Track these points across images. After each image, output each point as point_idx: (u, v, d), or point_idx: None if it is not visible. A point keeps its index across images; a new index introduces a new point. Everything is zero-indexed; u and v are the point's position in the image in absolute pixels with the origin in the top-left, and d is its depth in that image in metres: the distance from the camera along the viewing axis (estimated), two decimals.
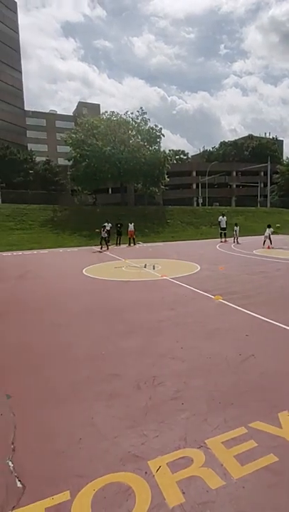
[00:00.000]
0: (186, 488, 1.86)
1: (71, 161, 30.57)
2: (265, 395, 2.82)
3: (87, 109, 61.76)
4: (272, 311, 5.27)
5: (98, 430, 2.40)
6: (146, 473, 1.98)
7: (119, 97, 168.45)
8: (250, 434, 2.30)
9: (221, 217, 20.76)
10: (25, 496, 1.85)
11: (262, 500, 1.79)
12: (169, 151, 35.61)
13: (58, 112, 70.87)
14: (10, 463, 2.10)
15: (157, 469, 2.00)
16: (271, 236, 15.92)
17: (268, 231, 15.97)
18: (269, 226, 16.43)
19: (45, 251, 16.44)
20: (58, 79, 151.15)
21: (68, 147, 31.10)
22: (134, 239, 19.53)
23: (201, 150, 75.04)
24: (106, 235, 17.01)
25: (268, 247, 15.27)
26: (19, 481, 1.95)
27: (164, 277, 8.47)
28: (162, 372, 3.28)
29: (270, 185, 44.52)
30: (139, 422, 2.48)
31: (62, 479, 1.95)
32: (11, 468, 2.05)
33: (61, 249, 16.69)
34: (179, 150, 68.25)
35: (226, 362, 3.49)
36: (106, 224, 19.12)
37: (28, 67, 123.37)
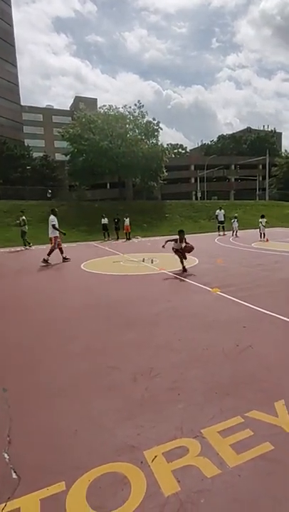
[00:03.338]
0: (182, 477, 1.86)
1: (68, 156, 30.39)
2: (262, 385, 2.81)
3: (84, 104, 61.23)
4: (270, 303, 5.27)
5: (94, 422, 2.40)
6: (141, 462, 1.97)
7: (114, 92, 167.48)
8: (247, 424, 2.29)
9: (218, 210, 20.77)
10: (20, 487, 1.84)
11: (258, 488, 1.78)
12: (167, 145, 35.44)
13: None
14: (5, 455, 2.09)
15: (153, 459, 2.00)
16: (263, 227, 15.87)
17: (262, 222, 15.95)
18: (263, 216, 16.41)
19: (44, 246, 16.35)
20: (51, 74, 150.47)
21: (65, 142, 30.90)
22: (129, 233, 19.53)
23: (199, 144, 74.67)
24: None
25: (267, 240, 15.26)
26: (14, 472, 1.95)
27: (162, 271, 8.46)
28: (159, 364, 3.27)
29: (269, 178, 44.34)
30: (135, 414, 2.47)
31: (57, 471, 1.95)
32: (7, 460, 2.04)
33: (33, 247, 16.59)
34: (177, 144, 67.99)
35: (223, 353, 3.48)
36: (102, 219, 19.25)
37: (21, 62, 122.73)
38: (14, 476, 1.92)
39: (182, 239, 8.30)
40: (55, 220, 10.83)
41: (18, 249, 16.13)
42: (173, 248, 8.38)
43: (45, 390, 2.91)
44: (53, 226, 10.73)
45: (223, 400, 2.60)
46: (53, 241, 10.72)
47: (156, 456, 2.02)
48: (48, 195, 30.93)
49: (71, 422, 2.42)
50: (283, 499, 1.71)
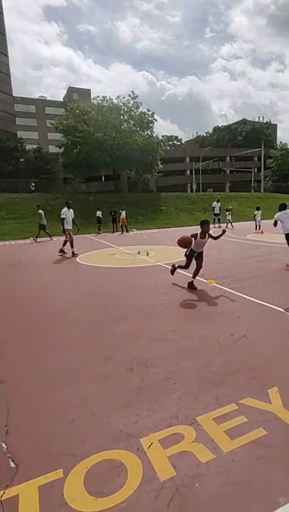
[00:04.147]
0: (177, 462, 1.90)
1: (62, 148, 29.99)
2: (256, 373, 2.86)
3: (77, 95, 60.22)
4: (264, 293, 5.32)
5: (91, 411, 2.43)
6: (138, 449, 2.01)
7: (107, 83, 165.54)
8: (241, 410, 2.34)
9: (215, 202, 20.79)
10: (18, 475, 1.87)
11: (251, 471, 1.83)
12: (162, 136, 35.12)
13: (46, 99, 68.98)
14: (3, 444, 2.12)
15: (149, 446, 2.04)
16: (258, 220, 15.97)
17: (258, 214, 16.05)
18: (258, 208, 16.50)
19: (39, 240, 16.29)
20: (43, 65, 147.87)
21: (59, 134, 30.48)
22: (126, 226, 19.48)
23: (194, 136, 74.19)
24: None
25: (262, 232, 15.32)
26: (12, 461, 1.97)
27: (158, 263, 8.47)
28: (155, 355, 3.30)
29: (264, 170, 44.31)
30: (131, 403, 2.51)
31: (55, 459, 1.98)
32: (4, 450, 2.07)
33: (55, 238, 16.56)
34: (172, 136, 67.48)
35: (218, 343, 3.53)
36: (98, 211, 19.24)
37: (11, 52, 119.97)
38: (12, 464, 1.95)
39: (206, 232, 5.90)
40: (66, 213, 10.75)
41: (13, 242, 16.01)
42: (188, 249, 6.07)
43: (42, 380, 2.93)
44: (62, 220, 10.76)
45: (218, 388, 2.64)
46: (67, 233, 10.81)
47: (152, 443, 2.06)
48: (32, 188, 30.64)
49: (68, 411, 2.45)
50: (275, 482, 1.76)
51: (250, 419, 2.25)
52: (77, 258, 10.05)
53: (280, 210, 7.97)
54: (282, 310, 4.50)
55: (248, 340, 3.58)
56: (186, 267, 6.23)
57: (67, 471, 1.88)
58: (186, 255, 6.16)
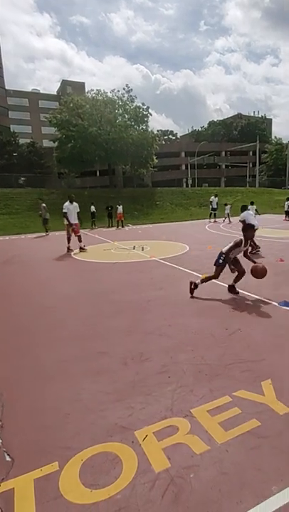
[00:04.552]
0: (172, 454, 1.92)
1: (56, 143, 29.67)
2: (250, 366, 2.89)
3: (71, 88, 59.40)
4: (258, 287, 5.36)
5: (85, 405, 2.44)
6: (133, 442, 2.03)
7: (101, 76, 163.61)
8: (234, 402, 2.37)
9: (213, 197, 20.82)
10: (14, 468, 1.88)
11: (244, 461, 1.86)
12: (157, 131, 34.89)
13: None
14: None
15: (144, 438, 2.05)
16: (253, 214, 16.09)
17: (252, 209, 16.15)
18: (252, 203, 16.57)
19: (33, 235, 16.19)
20: (36, 57, 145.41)
21: (53, 128, 30.12)
22: (122, 221, 19.42)
23: (189, 130, 73.86)
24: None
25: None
26: (8, 455, 1.98)
27: (153, 258, 8.48)
28: (149, 349, 3.32)
29: (259, 164, 44.35)
30: (126, 396, 2.52)
31: (50, 452, 1.99)
32: (0, 444, 2.07)
33: (50, 233, 16.47)
34: (167, 130, 67.09)
35: (212, 337, 3.55)
36: (92, 206, 19.22)
37: (2, 44, 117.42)
38: (8, 458, 1.95)
39: (250, 238, 5.19)
40: (67, 207, 10.29)
41: (7, 238, 15.88)
42: (230, 257, 5.17)
43: (36, 375, 2.93)
44: (64, 214, 10.34)
45: (212, 381, 2.67)
46: (75, 228, 10.49)
47: (146, 436, 2.07)
48: (19, 182, 30.32)
49: (62, 405, 2.45)
50: (268, 471, 1.79)
51: (244, 410, 2.28)
52: (72, 253, 10.01)
53: (242, 211, 8.71)
54: (276, 304, 4.55)
55: (242, 333, 3.61)
56: (215, 277, 5.22)
57: (63, 463, 1.89)
58: (217, 265, 5.20)
